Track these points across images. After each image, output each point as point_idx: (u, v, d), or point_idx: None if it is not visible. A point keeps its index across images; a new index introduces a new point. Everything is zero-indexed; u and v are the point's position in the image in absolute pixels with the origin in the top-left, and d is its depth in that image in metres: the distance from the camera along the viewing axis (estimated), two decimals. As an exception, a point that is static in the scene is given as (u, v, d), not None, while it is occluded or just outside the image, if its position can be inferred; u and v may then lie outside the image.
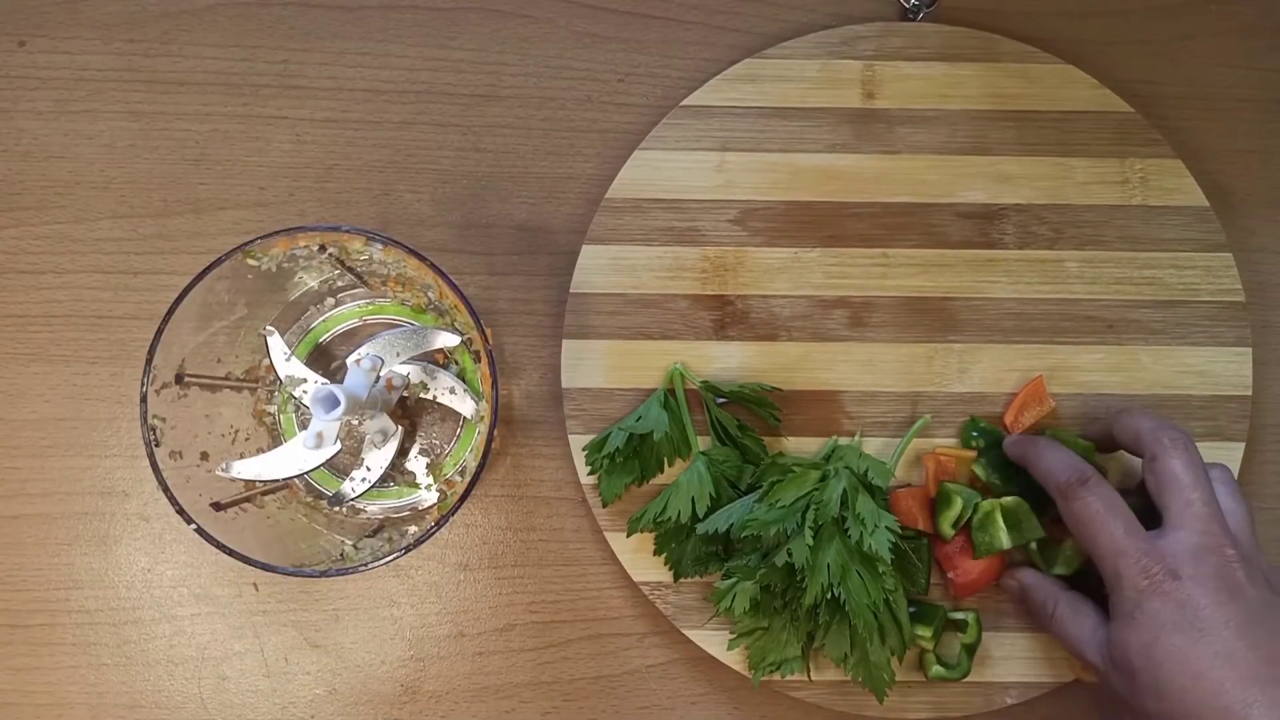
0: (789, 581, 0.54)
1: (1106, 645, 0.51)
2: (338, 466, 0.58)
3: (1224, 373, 0.60)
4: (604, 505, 0.58)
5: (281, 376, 0.55)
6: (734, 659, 0.58)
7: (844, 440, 0.59)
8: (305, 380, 0.55)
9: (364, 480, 0.56)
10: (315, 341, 0.59)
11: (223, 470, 0.52)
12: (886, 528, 0.53)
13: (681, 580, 0.58)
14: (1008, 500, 0.56)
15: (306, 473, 0.54)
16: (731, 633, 0.57)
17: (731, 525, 0.55)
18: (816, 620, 0.55)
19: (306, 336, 0.59)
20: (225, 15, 0.63)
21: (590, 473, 0.58)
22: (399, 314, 0.59)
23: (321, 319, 0.59)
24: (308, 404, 0.54)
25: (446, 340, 0.55)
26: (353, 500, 0.56)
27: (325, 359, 0.59)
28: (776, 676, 0.56)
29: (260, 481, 0.54)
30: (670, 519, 0.56)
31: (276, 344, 0.55)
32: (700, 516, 0.56)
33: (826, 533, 0.54)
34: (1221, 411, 0.60)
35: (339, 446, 0.53)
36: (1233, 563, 0.48)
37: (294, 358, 0.55)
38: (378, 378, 0.53)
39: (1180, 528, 0.50)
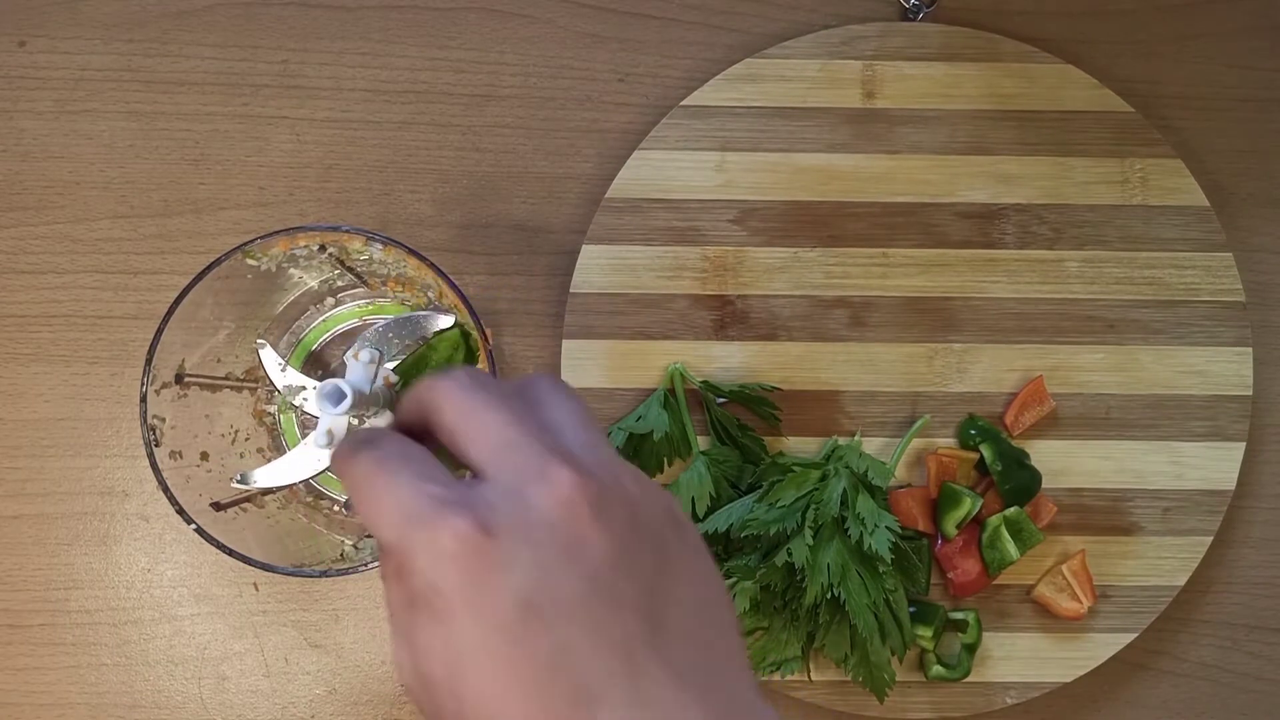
0: (789, 581, 0.54)
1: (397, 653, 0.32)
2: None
3: (1224, 373, 0.60)
4: (604, 505, 0.58)
5: (279, 388, 0.55)
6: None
7: (844, 440, 0.59)
8: (304, 388, 0.54)
9: None
10: (315, 341, 0.59)
11: (238, 481, 0.52)
12: (886, 528, 0.53)
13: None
14: (1010, 512, 0.56)
15: (323, 471, 0.53)
16: (732, 632, 0.57)
17: (731, 525, 0.55)
18: (816, 620, 0.55)
19: (306, 337, 0.59)
20: (225, 15, 0.63)
21: (590, 473, 0.58)
22: (399, 314, 0.59)
23: (321, 319, 0.59)
24: (310, 410, 0.54)
25: (441, 322, 0.54)
26: None
27: (324, 363, 0.59)
28: (776, 676, 0.56)
29: (264, 488, 0.54)
30: (670, 519, 0.56)
31: (270, 357, 0.54)
32: (700, 517, 0.56)
33: (826, 532, 0.54)
34: (1222, 412, 0.59)
35: None
36: (577, 501, 0.30)
37: (289, 367, 0.55)
38: (377, 372, 0.53)
39: (489, 467, 0.31)
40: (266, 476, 0.52)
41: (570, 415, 0.33)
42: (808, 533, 0.53)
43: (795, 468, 0.56)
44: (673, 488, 0.56)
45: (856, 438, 0.59)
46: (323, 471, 0.52)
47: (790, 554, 0.53)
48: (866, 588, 0.53)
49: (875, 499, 0.55)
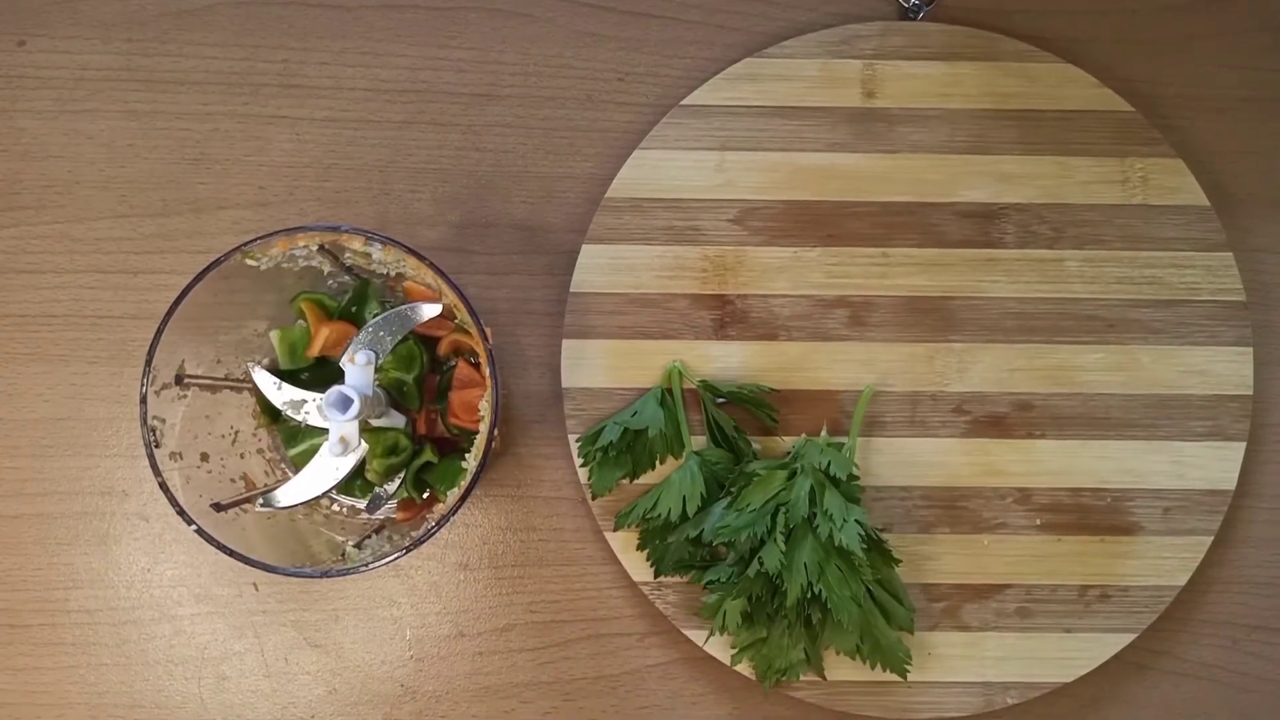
0: (772, 588, 0.54)
1: None
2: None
3: (1225, 372, 0.60)
4: (593, 498, 0.58)
5: (279, 406, 0.54)
6: (736, 661, 0.58)
7: (813, 439, 0.59)
8: (305, 401, 0.54)
9: (399, 480, 0.56)
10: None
11: (263, 506, 0.52)
12: (856, 521, 0.53)
13: (669, 579, 0.58)
14: None
15: (345, 478, 0.53)
16: (732, 647, 0.57)
17: (702, 530, 0.55)
18: (811, 620, 0.55)
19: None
20: (225, 15, 0.63)
21: (582, 464, 0.58)
22: (384, 311, 0.59)
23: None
24: (314, 423, 0.54)
25: (429, 311, 0.54)
26: (391, 498, 0.56)
27: (323, 368, 0.59)
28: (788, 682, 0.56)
29: (264, 489, 0.54)
30: (660, 516, 0.56)
31: (264, 378, 0.54)
32: (690, 516, 0.56)
33: (799, 533, 0.54)
34: (1223, 411, 0.59)
35: (365, 446, 0.52)
36: None
37: (285, 384, 0.54)
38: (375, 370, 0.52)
39: None
40: (289, 495, 0.52)
41: None
42: (779, 537, 0.53)
43: (761, 471, 0.56)
44: (664, 486, 0.56)
45: (823, 434, 0.59)
46: (344, 479, 0.52)
47: (762, 562, 0.53)
48: (846, 580, 0.53)
49: (841, 491, 0.55)
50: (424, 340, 0.56)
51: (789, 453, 0.58)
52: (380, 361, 0.53)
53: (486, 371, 0.50)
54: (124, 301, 0.61)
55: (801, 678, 0.56)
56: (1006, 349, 0.60)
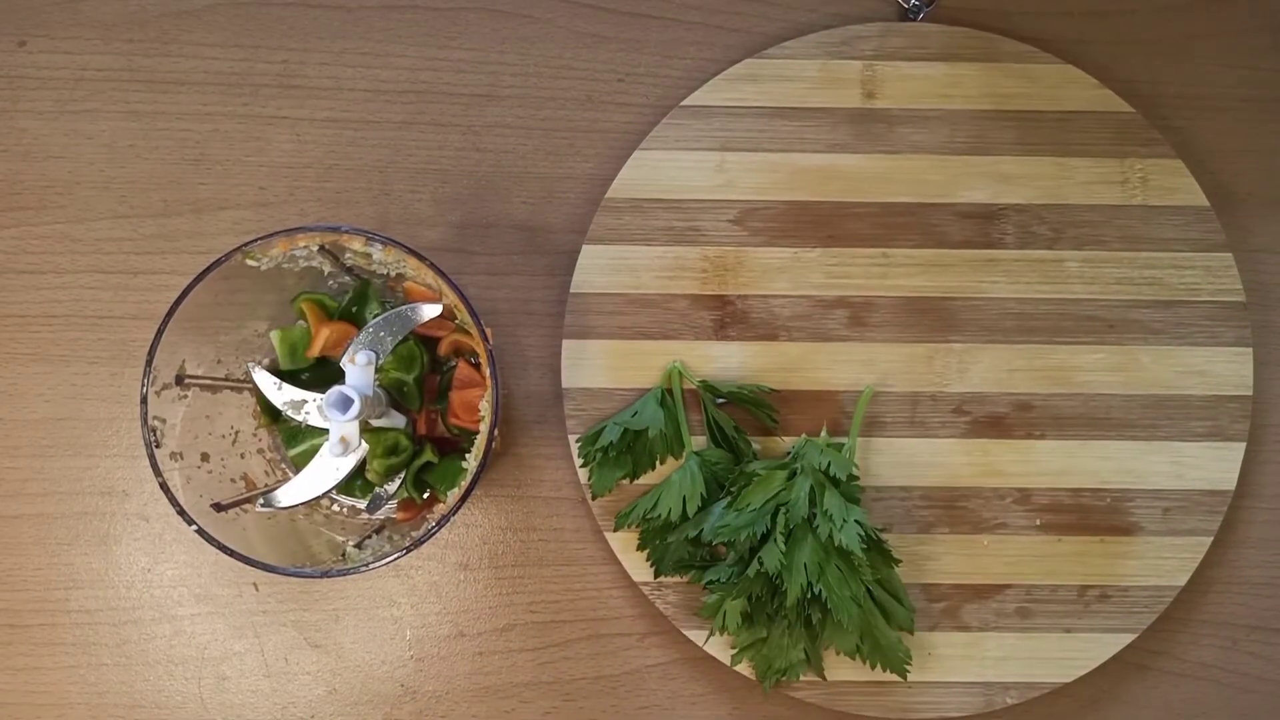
0: (772, 588, 0.54)
1: None
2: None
3: (1224, 373, 0.60)
4: (593, 498, 0.58)
5: (279, 406, 0.54)
6: (736, 661, 0.58)
7: (814, 439, 0.59)
8: (305, 401, 0.54)
9: (399, 480, 0.55)
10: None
11: (264, 506, 0.52)
12: (855, 521, 0.53)
13: (669, 579, 0.58)
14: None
15: (345, 478, 0.53)
16: (732, 647, 0.57)
17: (702, 530, 0.55)
18: (811, 620, 0.55)
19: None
20: (225, 15, 0.63)
21: (582, 464, 0.58)
22: (384, 311, 0.59)
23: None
24: (315, 423, 0.54)
25: (429, 312, 0.54)
26: (391, 498, 0.56)
27: (323, 368, 0.59)
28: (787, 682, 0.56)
29: (265, 489, 0.54)
30: (660, 516, 0.56)
31: (264, 379, 0.54)
32: (690, 516, 0.56)
33: (799, 533, 0.54)
34: (1222, 411, 0.59)
35: (365, 446, 0.52)
36: None
37: (285, 384, 0.54)
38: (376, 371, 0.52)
39: None
40: (290, 495, 0.52)
41: None
42: (779, 537, 0.53)
43: (761, 471, 0.56)
44: (664, 486, 0.56)
45: (823, 435, 0.59)
46: (344, 480, 0.52)
47: (762, 562, 0.53)
48: (846, 580, 0.53)
49: (841, 491, 0.55)
50: (424, 340, 0.56)
51: (789, 453, 0.58)
52: (380, 362, 0.53)
53: (487, 372, 0.51)
54: (124, 302, 0.61)
55: (801, 678, 0.56)
56: (1006, 349, 0.60)
